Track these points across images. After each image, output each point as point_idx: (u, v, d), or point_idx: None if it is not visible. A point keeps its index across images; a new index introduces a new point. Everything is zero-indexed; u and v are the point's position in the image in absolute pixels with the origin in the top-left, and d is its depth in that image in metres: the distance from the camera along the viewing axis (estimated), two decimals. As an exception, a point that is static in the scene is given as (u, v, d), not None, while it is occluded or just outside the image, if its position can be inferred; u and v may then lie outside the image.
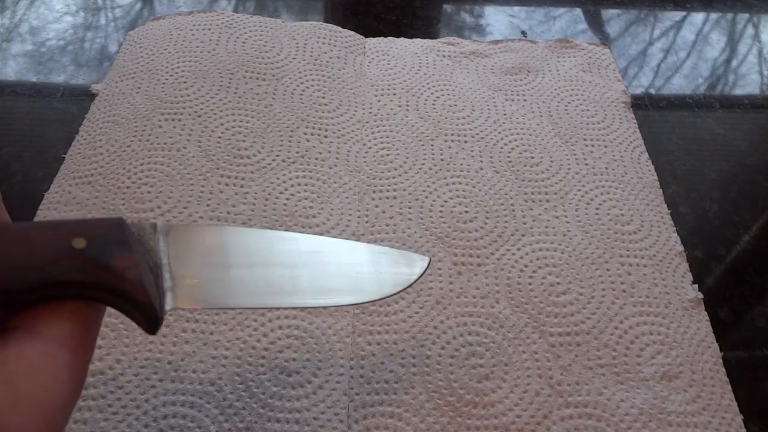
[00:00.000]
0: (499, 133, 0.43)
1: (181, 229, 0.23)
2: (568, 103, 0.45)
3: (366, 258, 0.28)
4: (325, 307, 0.27)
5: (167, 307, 0.21)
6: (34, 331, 0.17)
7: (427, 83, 0.46)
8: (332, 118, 0.43)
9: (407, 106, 0.44)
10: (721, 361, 0.33)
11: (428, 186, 0.39)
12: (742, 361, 0.34)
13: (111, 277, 0.19)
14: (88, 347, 0.18)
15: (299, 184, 0.39)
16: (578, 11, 0.55)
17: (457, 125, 0.43)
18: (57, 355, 0.17)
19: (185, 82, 0.44)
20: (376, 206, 0.38)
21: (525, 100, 0.45)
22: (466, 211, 0.38)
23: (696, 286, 0.36)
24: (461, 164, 0.41)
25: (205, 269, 0.23)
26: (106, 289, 0.19)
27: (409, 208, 0.38)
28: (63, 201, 0.37)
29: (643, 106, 0.47)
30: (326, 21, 0.50)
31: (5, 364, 0.16)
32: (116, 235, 0.19)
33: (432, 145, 0.42)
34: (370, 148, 0.41)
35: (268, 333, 0.32)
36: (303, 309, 0.33)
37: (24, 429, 0.15)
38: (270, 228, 0.36)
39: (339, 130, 0.42)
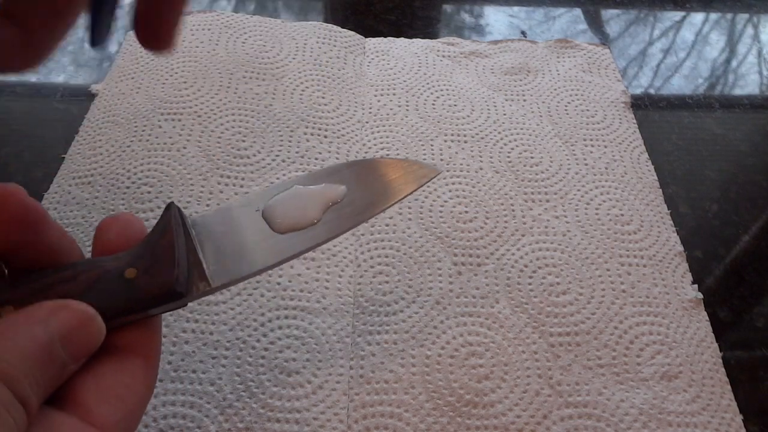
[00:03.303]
0: (499, 133, 0.43)
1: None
2: (568, 103, 0.45)
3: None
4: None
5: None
6: (115, 346, 0.21)
7: (427, 83, 0.46)
8: (332, 118, 0.43)
9: (407, 106, 0.44)
10: (720, 361, 0.33)
11: (428, 186, 0.39)
12: (742, 361, 0.34)
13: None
14: (155, 350, 0.22)
15: (299, 184, 0.39)
16: (578, 11, 0.55)
17: (457, 125, 0.43)
18: (133, 361, 0.21)
19: (185, 82, 0.44)
20: (376, 206, 0.38)
21: (525, 100, 0.45)
22: (466, 211, 0.38)
23: (696, 286, 0.36)
24: (461, 164, 0.41)
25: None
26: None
27: (409, 208, 0.38)
28: (63, 201, 0.37)
29: (643, 106, 0.47)
30: (326, 21, 0.50)
31: (98, 375, 0.20)
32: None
33: (432, 145, 0.42)
34: (370, 148, 0.41)
35: (268, 333, 0.32)
36: (304, 309, 0.33)
37: (110, 417, 0.19)
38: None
39: (339, 130, 0.42)
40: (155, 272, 0.22)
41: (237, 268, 0.24)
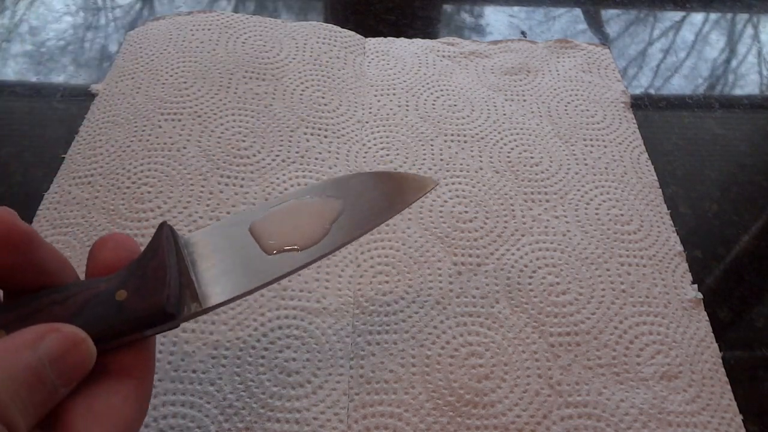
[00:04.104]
0: (499, 133, 0.43)
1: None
2: (568, 103, 0.45)
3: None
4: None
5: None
6: (107, 368, 0.21)
7: (427, 83, 0.46)
8: (332, 118, 0.43)
9: (407, 106, 0.44)
10: (720, 361, 0.33)
11: (428, 186, 0.39)
12: (742, 361, 0.34)
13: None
14: (148, 373, 0.22)
15: (299, 184, 0.39)
16: (578, 11, 0.55)
17: (457, 125, 0.43)
18: (125, 383, 0.21)
19: (185, 82, 0.44)
20: (376, 206, 0.38)
21: (525, 100, 0.45)
22: (466, 211, 0.38)
23: (695, 286, 0.36)
24: (461, 164, 0.41)
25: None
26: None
27: (409, 208, 0.38)
28: (63, 201, 0.37)
29: (643, 106, 0.47)
30: (326, 21, 0.50)
31: (90, 397, 0.20)
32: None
33: (432, 145, 0.42)
34: (369, 148, 0.41)
35: (268, 333, 0.32)
36: (304, 309, 0.33)
37: None
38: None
39: (339, 130, 0.42)
40: (146, 293, 0.21)
41: (229, 287, 0.23)
